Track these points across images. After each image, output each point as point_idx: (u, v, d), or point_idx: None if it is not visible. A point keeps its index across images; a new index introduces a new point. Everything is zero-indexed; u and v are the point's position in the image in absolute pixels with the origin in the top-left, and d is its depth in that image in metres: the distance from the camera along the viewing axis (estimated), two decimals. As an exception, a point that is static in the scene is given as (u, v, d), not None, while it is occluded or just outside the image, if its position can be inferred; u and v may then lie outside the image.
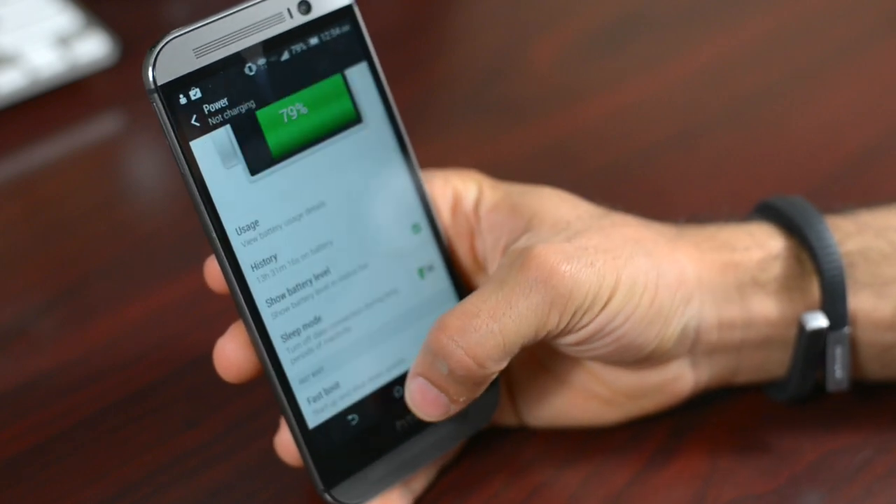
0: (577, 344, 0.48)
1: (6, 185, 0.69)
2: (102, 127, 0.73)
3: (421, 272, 0.50)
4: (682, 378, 0.51)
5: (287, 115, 0.47)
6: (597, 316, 0.47)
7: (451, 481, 0.52)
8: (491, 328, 0.46)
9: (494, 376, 0.47)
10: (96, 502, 0.51)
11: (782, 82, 0.75)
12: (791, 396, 0.52)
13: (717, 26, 0.79)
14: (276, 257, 0.47)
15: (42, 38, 0.72)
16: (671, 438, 0.53)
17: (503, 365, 0.46)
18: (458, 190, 0.51)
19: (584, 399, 0.52)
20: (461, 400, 0.47)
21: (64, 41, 0.72)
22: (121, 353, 0.58)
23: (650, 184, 0.68)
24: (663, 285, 0.48)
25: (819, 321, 0.50)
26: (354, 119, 0.49)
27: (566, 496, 0.51)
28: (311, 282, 0.48)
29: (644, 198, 0.67)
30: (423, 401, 0.47)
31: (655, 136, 0.71)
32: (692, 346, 0.50)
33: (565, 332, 0.47)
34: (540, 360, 0.52)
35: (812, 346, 0.50)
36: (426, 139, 0.71)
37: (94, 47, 0.73)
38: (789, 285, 0.51)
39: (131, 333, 0.59)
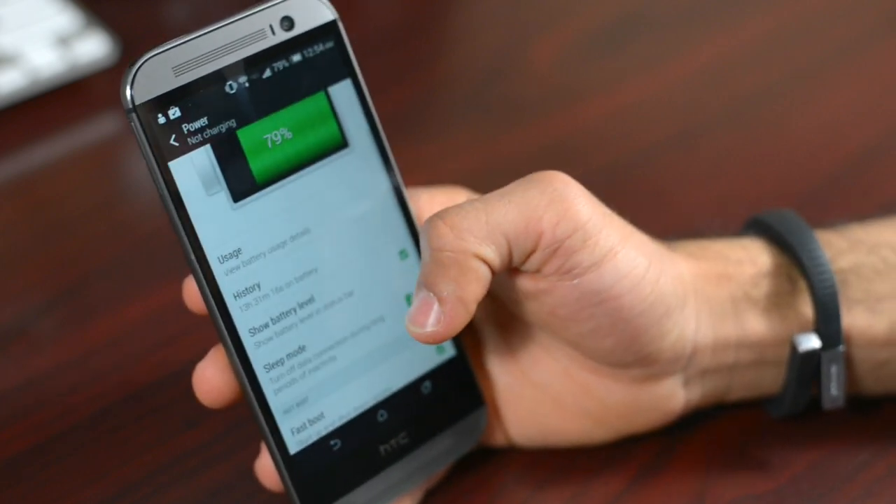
0: (580, 298, 0.46)
1: (6, 185, 0.69)
2: (102, 127, 0.73)
3: (408, 299, 0.49)
4: (673, 397, 0.51)
5: (271, 140, 0.46)
6: (600, 266, 0.46)
7: (431, 502, 0.51)
8: (476, 206, 0.45)
9: (480, 269, 0.45)
10: (96, 502, 0.51)
11: (782, 82, 0.75)
12: (787, 413, 0.52)
13: (717, 26, 0.79)
14: (259, 286, 0.46)
15: (42, 38, 0.72)
16: (672, 438, 0.53)
17: (485, 249, 0.45)
18: (444, 206, 0.49)
19: (574, 417, 0.51)
20: (444, 293, 0.44)
21: (64, 41, 0.72)
22: (121, 353, 0.58)
23: (650, 184, 0.68)
24: (666, 271, 0.48)
25: (812, 342, 0.50)
26: (340, 143, 0.48)
27: (568, 495, 0.51)
28: (294, 310, 0.47)
29: (644, 198, 0.67)
30: (414, 310, 0.45)
31: (655, 136, 0.71)
32: (686, 363, 0.50)
33: (562, 255, 0.46)
34: (529, 375, 0.51)
35: (805, 367, 0.50)
36: (426, 139, 0.71)
37: (94, 47, 0.73)
38: (781, 303, 0.50)
39: (131, 333, 0.59)
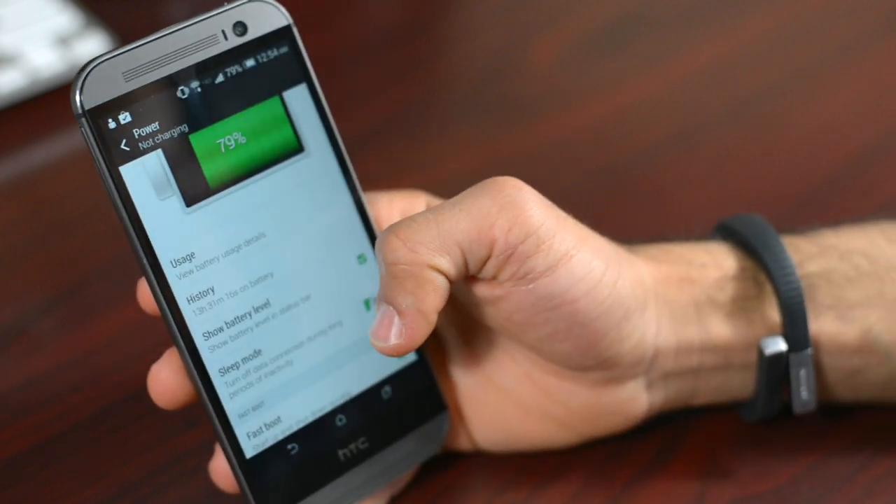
0: (535, 303, 0.46)
1: (6, 185, 0.69)
2: (102, 127, 0.73)
3: (367, 304, 0.49)
4: (636, 400, 0.50)
5: (224, 144, 0.46)
6: (555, 270, 0.46)
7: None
8: (427, 217, 0.45)
9: (436, 280, 0.45)
10: (96, 502, 0.51)
11: (782, 82, 0.75)
12: (759, 418, 0.52)
13: (717, 26, 0.79)
14: (213, 290, 0.46)
15: (42, 38, 0.72)
16: (672, 438, 0.53)
17: (440, 260, 0.45)
18: (404, 210, 0.50)
19: (537, 421, 0.51)
20: (404, 306, 0.45)
21: (64, 41, 0.72)
22: (121, 353, 0.58)
23: (650, 184, 0.68)
24: (625, 274, 0.47)
25: (778, 345, 0.49)
26: (296, 148, 0.47)
27: (566, 497, 0.51)
28: (250, 314, 0.46)
29: (644, 198, 0.67)
30: (376, 325, 0.45)
31: (655, 136, 0.71)
32: (648, 367, 0.49)
33: (515, 261, 0.45)
34: (492, 379, 0.51)
35: (773, 370, 0.50)
36: (426, 139, 0.71)
37: (94, 47, 0.73)
38: (747, 307, 0.50)
39: (131, 333, 0.59)
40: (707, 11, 0.80)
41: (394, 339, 0.45)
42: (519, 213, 0.45)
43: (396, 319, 0.45)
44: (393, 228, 0.45)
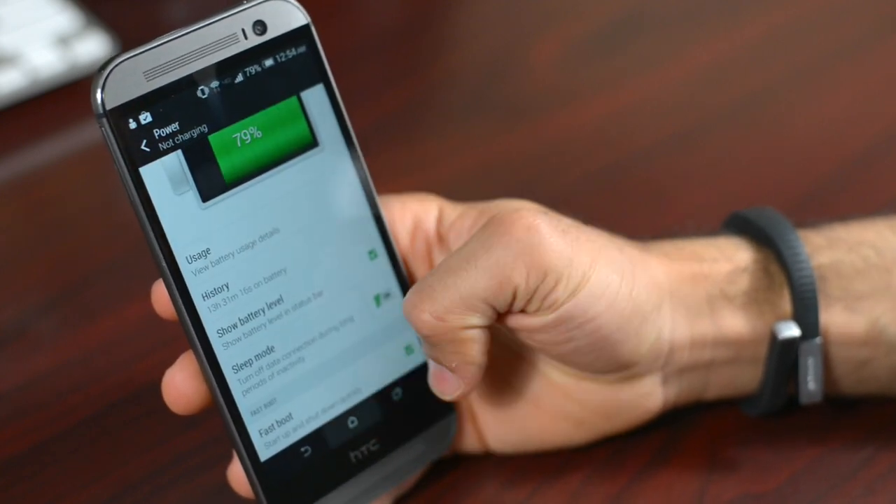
0: (558, 326, 0.46)
1: (6, 185, 0.69)
2: (102, 127, 0.73)
3: (377, 299, 0.49)
4: (652, 395, 0.50)
5: (240, 139, 0.46)
6: (575, 294, 0.46)
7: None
8: (445, 282, 0.46)
9: (473, 334, 0.46)
10: (96, 502, 0.51)
11: (782, 82, 0.75)
12: (763, 411, 0.52)
13: (716, 26, 0.79)
14: (227, 286, 0.46)
15: (42, 38, 0.72)
16: (671, 437, 0.53)
17: (470, 319, 0.46)
18: (417, 214, 0.50)
19: (554, 420, 0.51)
20: (453, 365, 0.46)
21: (64, 41, 0.72)
22: (121, 353, 0.58)
23: (650, 184, 0.68)
24: (639, 280, 0.48)
25: (792, 330, 0.49)
26: (310, 143, 0.47)
27: (568, 494, 0.51)
28: (263, 311, 0.46)
29: (644, 198, 0.67)
30: (434, 380, 0.48)
31: (655, 136, 0.71)
32: (665, 362, 0.50)
33: (538, 299, 0.46)
34: (507, 379, 0.51)
35: (784, 357, 0.50)
36: (426, 139, 0.71)
37: (93, 47, 0.73)
38: (758, 298, 0.50)
39: (131, 333, 0.59)
40: (707, 11, 0.80)
41: (455, 392, 0.47)
42: (535, 257, 0.45)
43: (450, 375, 0.47)
44: (415, 302, 0.46)
